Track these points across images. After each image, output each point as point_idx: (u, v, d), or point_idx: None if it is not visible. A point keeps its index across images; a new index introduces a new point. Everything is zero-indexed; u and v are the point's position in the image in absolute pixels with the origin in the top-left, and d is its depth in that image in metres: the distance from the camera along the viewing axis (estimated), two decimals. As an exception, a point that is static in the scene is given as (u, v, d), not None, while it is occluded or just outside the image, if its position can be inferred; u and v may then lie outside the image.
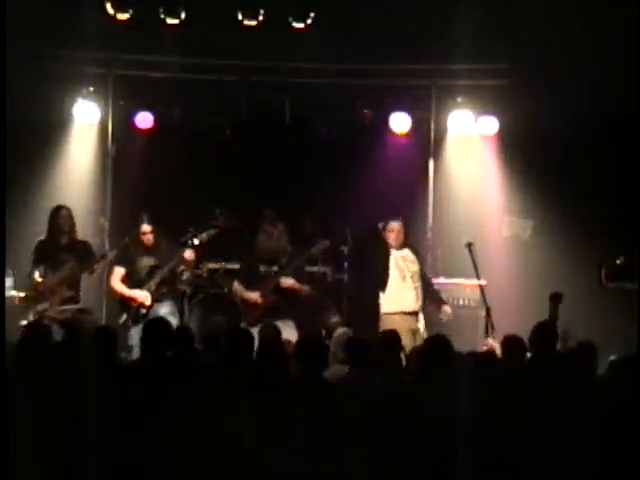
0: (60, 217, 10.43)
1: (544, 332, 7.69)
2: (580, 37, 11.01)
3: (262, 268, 10.42)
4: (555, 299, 9.22)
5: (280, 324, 9.39)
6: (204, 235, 10.55)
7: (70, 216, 10.49)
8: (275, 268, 10.37)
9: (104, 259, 10.46)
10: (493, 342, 8.99)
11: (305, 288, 10.47)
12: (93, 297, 11.43)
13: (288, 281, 10.30)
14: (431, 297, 10.36)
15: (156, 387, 6.31)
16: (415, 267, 10.25)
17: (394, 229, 10.26)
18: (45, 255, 10.34)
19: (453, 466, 5.74)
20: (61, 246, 10.39)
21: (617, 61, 11.13)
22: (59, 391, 6.21)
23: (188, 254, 10.41)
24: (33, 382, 6.27)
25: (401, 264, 10.19)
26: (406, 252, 10.29)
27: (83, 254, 10.37)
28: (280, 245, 10.45)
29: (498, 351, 8.04)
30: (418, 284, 10.19)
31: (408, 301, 10.10)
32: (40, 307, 10.11)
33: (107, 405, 6.09)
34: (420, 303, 10.17)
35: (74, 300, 10.29)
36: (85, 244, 10.54)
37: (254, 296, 10.31)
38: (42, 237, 10.52)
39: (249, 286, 10.39)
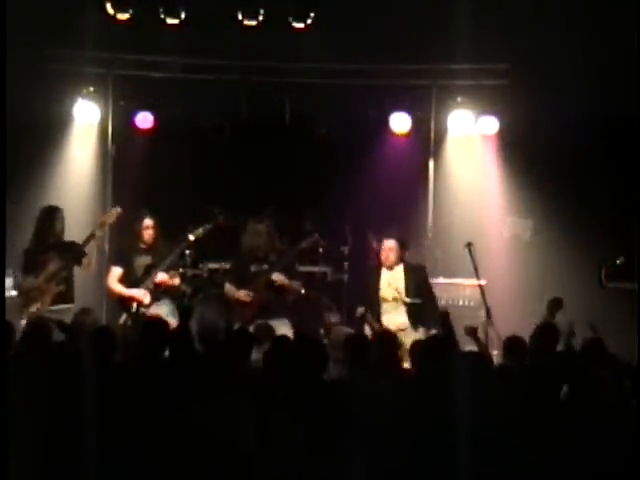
0: (57, 219, 10.25)
1: (546, 333, 7.70)
2: (580, 37, 11.01)
3: (253, 267, 10.40)
4: (555, 305, 9.18)
5: (275, 323, 9.40)
6: (199, 230, 10.53)
7: (63, 219, 10.33)
8: (265, 266, 10.34)
9: (91, 239, 10.14)
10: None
11: (295, 284, 10.42)
12: (93, 297, 11.43)
13: (279, 277, 10.27)
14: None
15: (154, 387, 6.31)
16: (399, 290, 9.90)
17: (384, 248, 10.01)
18: (33, 261, 10.11)
19: (454, 466, 5.74)
20: (46, 248, 10.16)
21: (617, 61, 11.13)
22: (58, 391, 6.21)
23: (160, 278, 10.36)
24: (32, 382, 6.26)
25: (384, 287, 9.95)
26: (395, 272, 10.00)
27: (68, 249, 10.14)
28: (268, 242, 10.40)
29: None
30: (401, 306, 9.88)
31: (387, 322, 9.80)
32: (32, 309, 9.89)
33: (105, 405, 6.09)
34: (399, 323, 9.77)
35: (66, 297, 10.09)
36: (71, 242, 10.25)
37: (243, 294, 10.29)
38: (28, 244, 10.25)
39: (240, 285, 10.38)
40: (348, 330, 8.41)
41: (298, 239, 10.81)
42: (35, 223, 10.29)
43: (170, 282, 10.39)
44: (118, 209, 10.50)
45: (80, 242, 10.20)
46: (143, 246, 10.48)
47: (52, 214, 10.31)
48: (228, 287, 10.50)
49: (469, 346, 8.58)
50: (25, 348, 6.93)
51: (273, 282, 10.23)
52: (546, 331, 7.82)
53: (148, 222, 10.47)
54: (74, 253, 10.12)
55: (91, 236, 10.21)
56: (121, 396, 6.25)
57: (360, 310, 9.97)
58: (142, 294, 10.33)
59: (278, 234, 10.57)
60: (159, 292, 10.40)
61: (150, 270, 10.40)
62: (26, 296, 10.01)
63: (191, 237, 10.47)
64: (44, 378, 6.32)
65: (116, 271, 10.49)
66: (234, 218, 11.47)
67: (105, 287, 10.82)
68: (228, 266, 11.68)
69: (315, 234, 10.64)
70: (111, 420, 6.08)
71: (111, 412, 6.11)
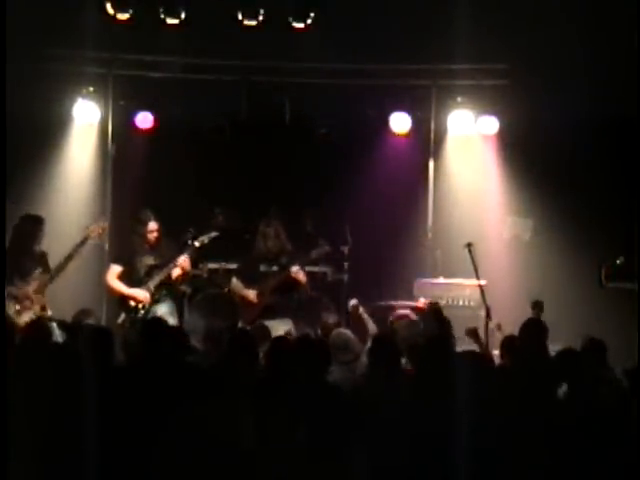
0: (41, 230, 10.20)
1: (532, 328, 7.73)
2: (580, 37, 11.01)
3: (262, 267, 10.42)
4: (537, 307, 9.18)
5: (278, 322, 9.41)
6: (205, 238, 10.52)
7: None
8: (275, 268, 10.37)
9: (70, 260, 10.11)
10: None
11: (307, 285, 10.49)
12: (93, 297, 11.43)
13: (298, 272, 10.30)
14: None
15: (154, 387, 6.31)
16: None
17: None
18: (14, 262, 10.02)
19: (454, 466, 5.74)
20: (32, 255, 10.12)
21: (617, 61, 11.13)
22: (58, 391, 6.21)
23: (183, 260, 10.34)
24: (32, 382, 6.26)
25: None
26: None
27: (46, 265, 10.17)
28: (278, 244, 10.43)
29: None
30: None
31: None
32: (26, 318, 9.68)
33: (105, 405, 6.08)
34: None
35: (45, 308, 10.08)
36: (45, 256, 10.25)
37: (252, 294, 10.32)
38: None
39: (248, 284, 10.39)
40: (348, 332, 8.41)
41: (302, 240, 10.82)
42: (20, 227, 10.19)
43: (188, 268, 10.40)
44: (105, 223, 10.48)
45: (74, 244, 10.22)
46: (146, 246, 10.47)
47: (40, 224, 10.23)
48: (235, 282, 10.51)
49: (470, 346, 8.59)
50: (25, 348, 6.92)
51: (290, 276, 10.25)
52: (531, 326, 7.84)
53: (153, 226, 10.43)
54: (51, 272, 10.09)
55: (69, 257, 10.11)
56: (121, 396, 6.24)
57: (353, 302, 10.00)
58: (143, 295, 10.32)
59: (286, 236, 10.59)
60: (160, 293, 10.39)
61: (152, 271, 10.39)
62: (20, 304, 9.97)
63: (196, 244, 10.46)
64: (44, 378, 6.32)
65: (115, 268, 10.46)
66: (235, 218, 11.49)
67: (104, 284, 10.78)
68: (228, 266, 11.70)
69: (326, 246, 10.65)
70: (111, 420, 6.07)
71: (111, 412, 6.10)
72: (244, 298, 10.37)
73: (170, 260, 10.37)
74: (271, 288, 10.32)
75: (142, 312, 10.26)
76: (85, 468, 5.88)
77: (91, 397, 6.05)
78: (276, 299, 10.32)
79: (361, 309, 9.89)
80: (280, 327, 9.30)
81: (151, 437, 6.00)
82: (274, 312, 10.16)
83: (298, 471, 5.91)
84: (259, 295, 10.33)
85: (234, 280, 10.55)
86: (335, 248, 11.36)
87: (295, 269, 10.28)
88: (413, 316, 9.11)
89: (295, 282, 10.34)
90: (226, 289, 11.02)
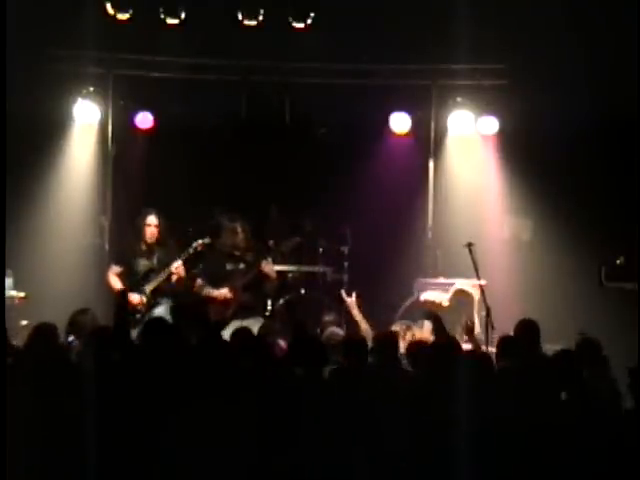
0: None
1: (528, 329, 7.74)
2: (580, 37, 11.02)
3: (229, 266, 10.39)
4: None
5: (250, 322, 9.44)
6: (198, 245, 10.47)
7: None
8: (242, 265, 10.35)
9: None
10: None
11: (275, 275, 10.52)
12: (93, 297, 11.41)
13: (269, 267, 10.30)
14: None
15: (155, 386, 6.32)
16: None
17: None
18: None
19: (454, 466, 5.75)
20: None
21: (617, 61, 11.13)
22: (63, 391, 6.22)
23: (176, 267, 10.32)
24: (39, 382, 6.27)
25: None
26: None
27: None
28: (244, 240, 10.40)
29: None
30: None
31: None
32: None
33: (107, 405, 6.09)
34: None
35: None
36: None
37: (224, 293, 10.29)
38: None
39: (215, 284, 10.35)
40: (338, 331, 8.42)
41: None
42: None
43: (183, 274, 10.40)
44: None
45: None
46: (144, 248, 10.43)
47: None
48: (200, 283, 10.44)
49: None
50: (31, 349, 6.93)
51: (260, 272, 10.24)
52: (524, 326, 7.86)
53: (152, 220, 10.42)
54: None
55: None
56: (121, 395, 6.25)
57: (347, 298, 10.02)
58: (138, 299, 10.28)
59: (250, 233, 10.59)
60: (157, 296, 10.36)
61: (149, 275, 10.36)
62: None
63: (190, 250, 10.42)
64: (50, 379, 6.33)
65: (115, 269, 10.47)
66: (236, 218, 11.48)
67: (105, 283, 10.75)
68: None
69: (296, 238, 10.65)
70: (112, 420, 6.08)
71: (112, 411, 6.11)
72: (214, 299, 10.31)
73: (165, 266, 10.36)
74: (243, 286, 10.30)
75: (138, 316, 10.21)
76: (87, 467, 5.90)
77: (92, 396, 6.06)
78: (248, 297, 10.32)
79: (355, 310, 9.90)
80: (253, 326, 9.30)
81: (152, 436, 6.01)
82: (247, 311, 10.18)
83: (297, 470, 5.92)
84: (231, 292, 10.29)
85: (199, 281, 10.48)
86: (334, 247, 11.38)
87: (264, 263, 10.28)
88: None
89: (264, 277, 10.33)
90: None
